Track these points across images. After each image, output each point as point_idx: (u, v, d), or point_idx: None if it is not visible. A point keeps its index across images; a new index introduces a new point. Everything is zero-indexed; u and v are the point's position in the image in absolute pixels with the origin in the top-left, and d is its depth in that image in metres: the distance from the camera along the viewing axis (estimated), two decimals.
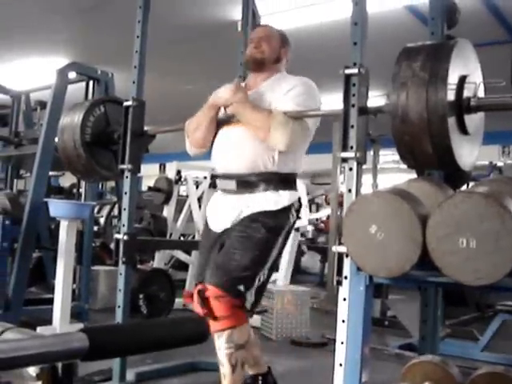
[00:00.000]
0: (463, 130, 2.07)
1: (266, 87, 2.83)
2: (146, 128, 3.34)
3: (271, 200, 2.68)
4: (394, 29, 5.91)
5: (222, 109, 2.78)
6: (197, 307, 2.57)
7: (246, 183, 2.71)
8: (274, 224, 2.65)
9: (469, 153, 2.18)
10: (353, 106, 2.28)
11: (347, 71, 2.32)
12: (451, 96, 2.01)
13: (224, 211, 2.77)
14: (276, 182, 2.69)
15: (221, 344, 2.56)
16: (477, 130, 2.22)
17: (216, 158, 2.84)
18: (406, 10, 5.58)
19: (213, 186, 6.76)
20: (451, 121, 2.00)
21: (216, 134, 2.83)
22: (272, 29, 2.97)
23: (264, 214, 2.66)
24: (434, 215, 1.88)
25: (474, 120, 2.15)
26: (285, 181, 2.73)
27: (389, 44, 6.13)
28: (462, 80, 2.08)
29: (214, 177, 2.92)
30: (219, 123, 2.82)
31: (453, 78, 2.02)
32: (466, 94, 2.08)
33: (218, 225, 2.79)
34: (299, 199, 2.79)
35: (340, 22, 5.14)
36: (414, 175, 3.06)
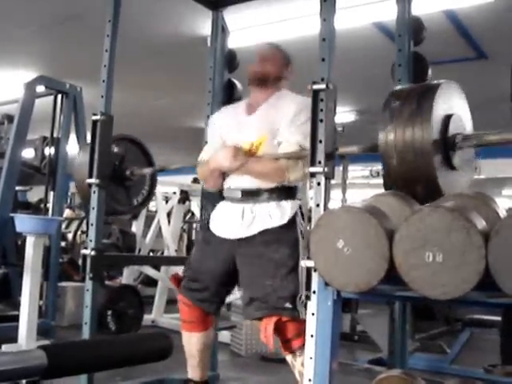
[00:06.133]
0: (450, 165, 2.17)
1: (267, 106, 2.92)
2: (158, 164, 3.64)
3: (276, 215, 2.76)
4: (363, 45, 5.96)
5: None
6: (268, 341, 2.59)
7: (249, 193, 2.83)
8: (288, 238, 2.72)
9: (457, 184, 2.26)
10: (321, 120, 2.29)
11: (315, 87, 2.33)
12: (436, 135, 2.09)
13: (232, 219, 2.86)
14: (279, 192, 2.80)
15: (299, 362, 2.57)
16: (466, 163, 2.29)
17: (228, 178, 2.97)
18: (374, 27, 5.62)
19: (182, 201, 6.75)
20: (438, 158, 2.10)
21: None
22: (276, 47, 3.06)
23: (274, 233, 2.75)
24: (400, 229, 1.89)
25: (461, 155, 2.22)
26: (287, 191, 2.82)
27: (357, 60, 6.22)
28: (447, 119, 2.16)
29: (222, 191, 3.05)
30: None
31: (438, 118, 2.10)
32: (453, 132, 2.17)
33: (229, 232, 2.87)
34: (300, 206, 2.83)
35: (308, 37, 5.17)
36: (382, 190, 3.08)
